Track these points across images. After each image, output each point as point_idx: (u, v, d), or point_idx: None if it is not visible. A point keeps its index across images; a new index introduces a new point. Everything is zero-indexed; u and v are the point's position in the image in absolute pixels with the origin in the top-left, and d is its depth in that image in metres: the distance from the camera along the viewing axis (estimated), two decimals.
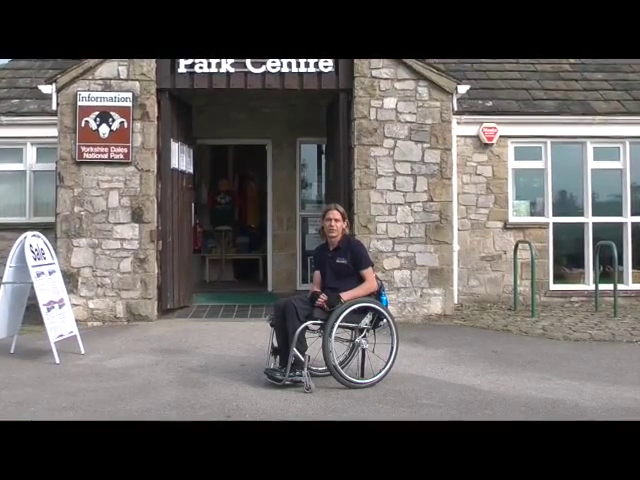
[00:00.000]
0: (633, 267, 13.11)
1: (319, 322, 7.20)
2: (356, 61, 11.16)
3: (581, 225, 13.21)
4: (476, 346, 9.40)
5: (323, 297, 7.23)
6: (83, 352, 8.76)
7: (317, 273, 7.73)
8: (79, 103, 10.99)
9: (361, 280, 7.42)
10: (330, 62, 11.16)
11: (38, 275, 8.50)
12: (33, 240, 8.65)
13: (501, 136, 12.92)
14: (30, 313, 9.39)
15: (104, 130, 11.00)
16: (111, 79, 11.08)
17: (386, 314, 7.41)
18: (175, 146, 11.72)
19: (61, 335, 8.59)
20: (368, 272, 7.47)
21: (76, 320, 9.27)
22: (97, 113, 11.01)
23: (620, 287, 12.20)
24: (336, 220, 7.52)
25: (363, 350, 7.37)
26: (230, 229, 16.53)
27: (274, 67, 11.14)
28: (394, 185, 11.23)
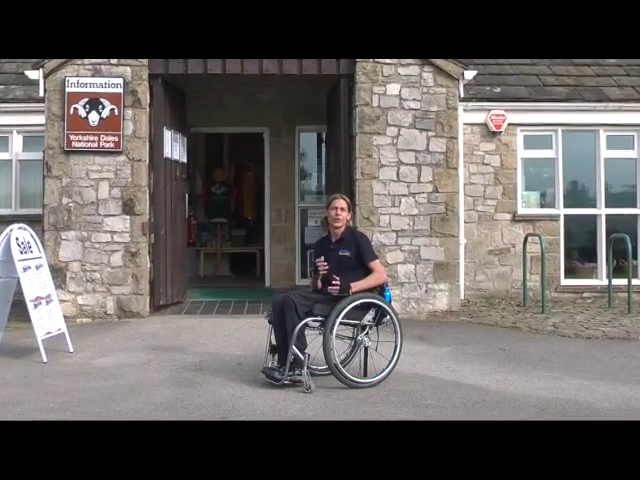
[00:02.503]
0: None
1: (319, 319, 7.18)
2: None
3: (594, 217, 13.20)
4: (483, 344, 9.39)
5: (337, 281, 7.22)
6: (72, 350, 8.74)
7: None
8: (67, 89, 10.94)
9: (364, 274, 7.40)
10: None
11: (24, 269, 8.48)
12: (19, 233, 8.63)
13: (510, 124, 12.89)
14: (16, 309, 9.36)
15: (94, 118, 10.96)
16: (101, 64, 11.03)
17: (389, 310, 7.39)
18: (168, 134, 11.68)
19: (49, 332, 8.57)
20: (376, 264, 7.47)
21: (64, 317, 9.27)
22: (86, 100, 10.97)
23: (634, 282, 12.20)
24: (342, 209, 7.50)
25: (365, 348, 7.36)
26: (226, 221, 16.52)
27: None
28: (398, 175, 11.19)
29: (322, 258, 7.40)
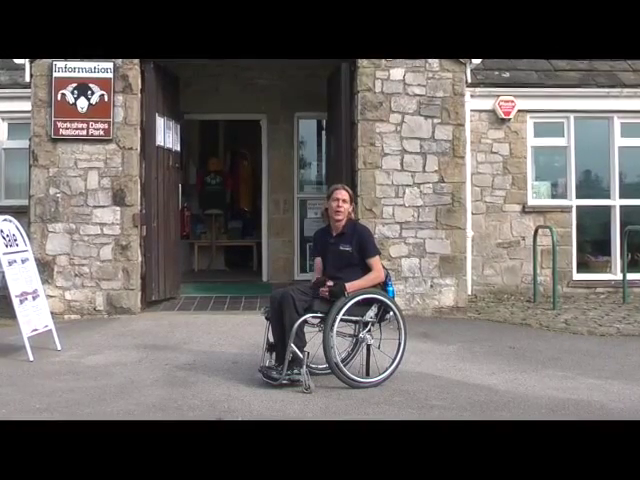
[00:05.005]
0: None
1: (319, 315, 7.17)
2: None
3: (607, 208, 13.18)
4: (492, 342, 9.39)
5: (330, 284, 7.20)
6: (59, 348, 8.74)
7: (318, 260, 7.70)
8: (55, 74, 10.91)
9: (366, 270, 7.38)
10: None
11: (10, 263, 8.46)
12: (4, 225, 8.62)
13: (519, 110, 12.88)
14: (1, 305, 9.36)
15: (82, 104, 10.94)
16: None
17: (393, 306, 7.38)
18: (160, 122, 11.66)
19: (35, 329, 8.56)
20: (375, 261, 7.44)
21: (52, 313, 9.25)
22: (75, 85, 10.93)
23: None
24: (343, 201, 7.47)
25: (368, 346, 7.35)
26: (221, 213, 16.51)
27: None
28: (401, 164, 11.17)
29: (330, 283, 7.28)
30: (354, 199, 8.03)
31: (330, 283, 7.21)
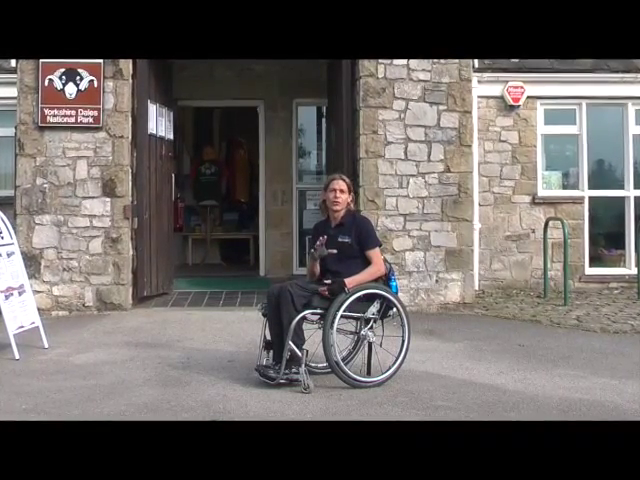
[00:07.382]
0: None
1: (319, 312, 7.16)
2: None
3: (621, 199, 13.17)
4: (500, 339, 9.38)
5: (327, 282, 7.19)
6: (47, 346, 8.73)
7: None
8: (42, 58, 10.89)
9: (367, 263, 7.37)
10: None
11: None
12: None
13: (529, 97, 12.85)
14: None
15: (71, 90, 10.91)
16: None
17: (396, 302, 7.37)
18: (153, 108, 11.64)
19: (21, 326, 8.55)
20: (375, 253, 7.42)
21: (39, 309, 9.26)
22: (63, 70, 10.91)
23: None
24: (341, 191, 7.45)
25: (370, 344, 7.34)
26: (216, 204, 16.50)
27: None
28: (405, 153, 11.15)
29: (323, 237, 7.30)
30: (356, 190, 8.03)
31: (328, 281, 7.21)
